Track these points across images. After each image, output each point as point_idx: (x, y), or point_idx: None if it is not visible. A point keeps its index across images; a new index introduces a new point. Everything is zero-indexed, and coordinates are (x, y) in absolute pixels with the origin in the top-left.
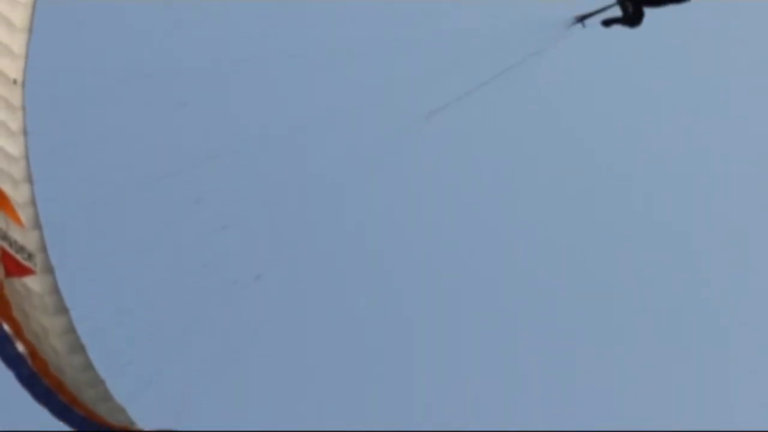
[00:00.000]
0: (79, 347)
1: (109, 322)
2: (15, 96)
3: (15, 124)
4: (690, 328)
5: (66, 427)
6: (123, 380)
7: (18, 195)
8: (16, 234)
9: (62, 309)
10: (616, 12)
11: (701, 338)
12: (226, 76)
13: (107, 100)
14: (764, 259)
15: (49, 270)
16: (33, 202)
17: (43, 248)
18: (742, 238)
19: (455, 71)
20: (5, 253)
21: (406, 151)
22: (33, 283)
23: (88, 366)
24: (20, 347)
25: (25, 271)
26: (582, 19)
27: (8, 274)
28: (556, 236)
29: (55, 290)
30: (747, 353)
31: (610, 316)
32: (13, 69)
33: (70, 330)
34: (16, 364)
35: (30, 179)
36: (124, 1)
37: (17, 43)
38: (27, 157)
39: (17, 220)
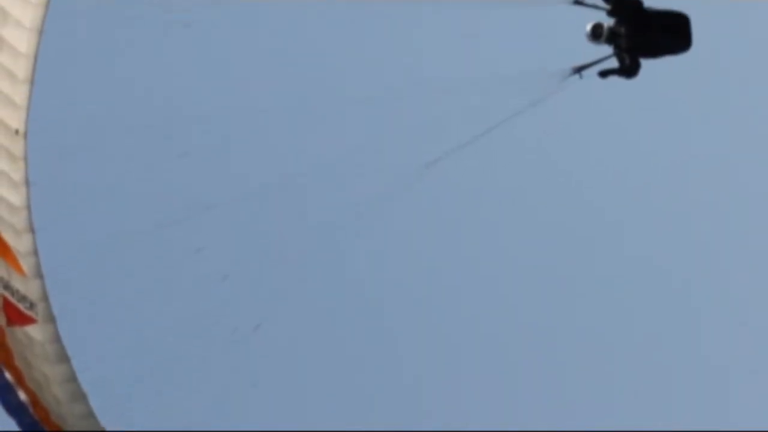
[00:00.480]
0: (80, 396)
1: (110, 371)
2: (17, 146)
3: (17, 174)
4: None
5: None
6: (124, 429)
7: (20, 245)
8: (18, 283)
9: (64, 358)
10: (613, 63)
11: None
12: (225, 127)
13: (108, 149)
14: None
15: (51, 319)
16: (35, 252)
17: (45, 297)
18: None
19: (453, 122)
20: (7, 302)
21: (405, 201)
22: (35, 332)
23: (89, 414)
24: (22, 395)
25: (26, 320)
26: (579, 70)
27: (10, 323)
28: (553, 283)
29: (57, 339)
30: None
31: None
32: (15, 119)
33: (72, 379)
34: (17, 412)
35: (32, 229)
36: (125, 53)
37: (19, 94)
38: (29, 207)
39: (19, 269)
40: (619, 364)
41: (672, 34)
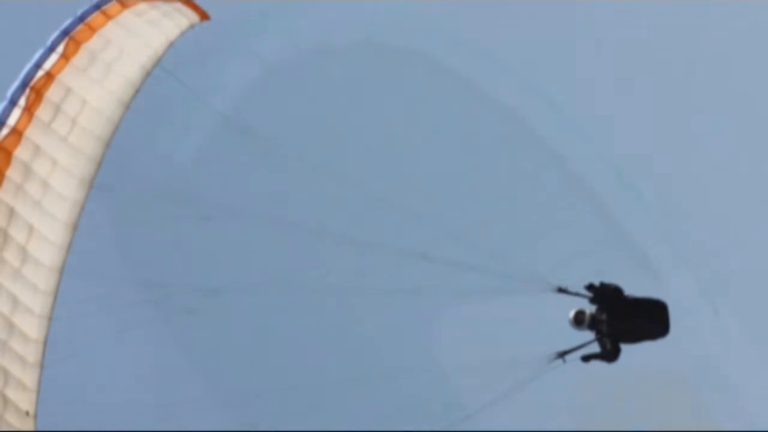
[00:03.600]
0: None
1: None
2: (27, 425)
3: None
4: None
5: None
6: None
7: None
8: None
9: None
10: (595, 348)
11: None
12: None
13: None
14: None
15: None
16: None
17: None
18: None
19: (441, 405)
20: None
21: None
22: None
23: None
24: None
25: None
26: (563, 354)
27: None
28: None
29: None
30: None
31: None
32: (26, 402)
33: None
34: None
35: None
36: (129, 338)
37: (29, 377)
38: None
39: None
40: None
41: (650, 321)
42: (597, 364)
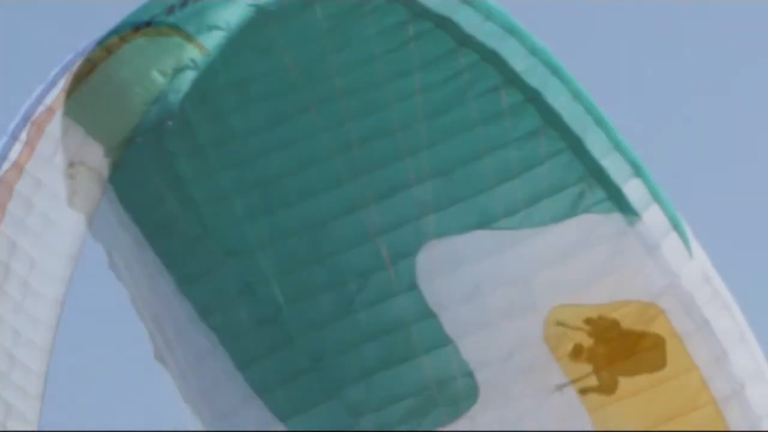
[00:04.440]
0: None
1: None
2: None
3: None
4: None
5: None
6: None
7: None
8: None
9: None
10: (593, 380)
11: None
12: None
13: None
14: None
15: None
16: None
17: None
18: None
19: None
20: None
21: None
22: None
23: None
24: None
25: None
26: (561, 387)
27: None
28: None
29: None
30: None
31: None
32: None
33: None
34: None
35: None
36: None
37: (30, 409)
38: None
39: None
40: None
41: (647, 356)
42: None
